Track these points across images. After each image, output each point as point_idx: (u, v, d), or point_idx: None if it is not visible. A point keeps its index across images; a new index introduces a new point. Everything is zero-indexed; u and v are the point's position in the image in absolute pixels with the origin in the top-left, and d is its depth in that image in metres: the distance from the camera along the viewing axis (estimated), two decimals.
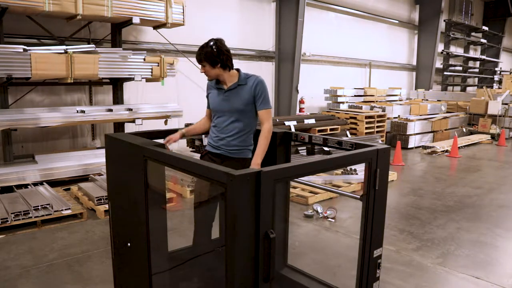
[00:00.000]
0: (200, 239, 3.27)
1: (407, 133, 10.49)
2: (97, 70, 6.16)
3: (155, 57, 6.97)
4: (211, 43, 2.96)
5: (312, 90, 11.81)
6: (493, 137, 12.23)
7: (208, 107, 3.25)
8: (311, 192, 5.93)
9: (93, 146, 7.42)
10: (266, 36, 10.60)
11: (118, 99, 7.23)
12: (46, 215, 4.78)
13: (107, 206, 4.50)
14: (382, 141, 10.08)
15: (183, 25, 7.39)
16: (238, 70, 3.11)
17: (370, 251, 2.37)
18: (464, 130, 12.69)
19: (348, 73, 13.40)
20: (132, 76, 6.67)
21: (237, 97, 3.02)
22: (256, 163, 2.87)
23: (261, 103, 3.03)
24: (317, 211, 5.34)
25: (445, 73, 17.73)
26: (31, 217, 4.69)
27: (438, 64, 16.98)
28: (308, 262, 3.91)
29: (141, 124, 6.77)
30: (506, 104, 12.79)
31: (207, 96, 3.23)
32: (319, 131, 8.65)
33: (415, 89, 16.09)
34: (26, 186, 5.69)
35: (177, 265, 3.07)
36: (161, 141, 2.78)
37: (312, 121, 8.87)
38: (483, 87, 14.73)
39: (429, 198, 6.19)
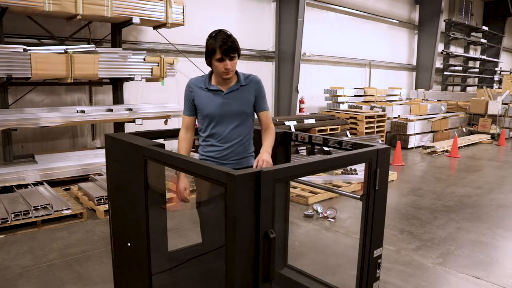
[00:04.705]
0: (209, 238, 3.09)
1: (407, 133, 10.48)
2: (97, 70, 6.16)
3: (155, 57, 6.97)
4: (228, 32, 2.55)
5: (312, 90, 11.81)
6: (493, 137, 12.23)
7: (189, 114, 2.78)
8: (311, 192, 5.93)
9: (93, 146, 7.42)
10: (266, 36, 10.59)
11: (118, 99, 7.23)
12: (46, 215, 4.78)
13: (107, 206, 4.50)
14: (382, 141, 10.08)
15: (183, 25, 7.38)
16: None
17: (370, 251, 2.37)
18: (464, 130, 12.69)
19: (348, 73, 13.40)
20: (132, 76, 6.67)
21: (240, 99, 2.68)
22: (268, 154, 2.54)
23: (264, 103, 2.78)
24: (317, 211, 5.34)
25: (445, 73, 17.73)
26: (31, 217, 4.70)
27: (438, 64, 16.97)
28: (308, 262, 3.91)
29: (141, 124, 6.77)
30: (506, 104, 12.79)
31: (189, 99, 2.75)
32: (319, 131, 8.65)
33: (415, 89, 16.08)
34: (26, 186, 5.69)
35: (177, 265, 3.07)
36: (161, 141, 2.76)
37: (312, 121, 8.87)
38: (483, 87, 14.73)
39: (429, 198, 6.19)
